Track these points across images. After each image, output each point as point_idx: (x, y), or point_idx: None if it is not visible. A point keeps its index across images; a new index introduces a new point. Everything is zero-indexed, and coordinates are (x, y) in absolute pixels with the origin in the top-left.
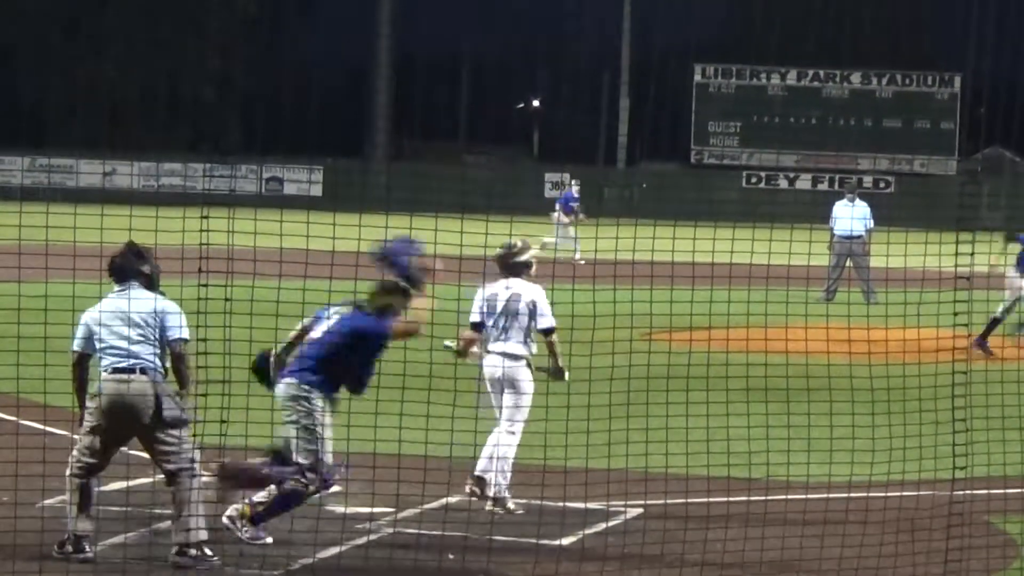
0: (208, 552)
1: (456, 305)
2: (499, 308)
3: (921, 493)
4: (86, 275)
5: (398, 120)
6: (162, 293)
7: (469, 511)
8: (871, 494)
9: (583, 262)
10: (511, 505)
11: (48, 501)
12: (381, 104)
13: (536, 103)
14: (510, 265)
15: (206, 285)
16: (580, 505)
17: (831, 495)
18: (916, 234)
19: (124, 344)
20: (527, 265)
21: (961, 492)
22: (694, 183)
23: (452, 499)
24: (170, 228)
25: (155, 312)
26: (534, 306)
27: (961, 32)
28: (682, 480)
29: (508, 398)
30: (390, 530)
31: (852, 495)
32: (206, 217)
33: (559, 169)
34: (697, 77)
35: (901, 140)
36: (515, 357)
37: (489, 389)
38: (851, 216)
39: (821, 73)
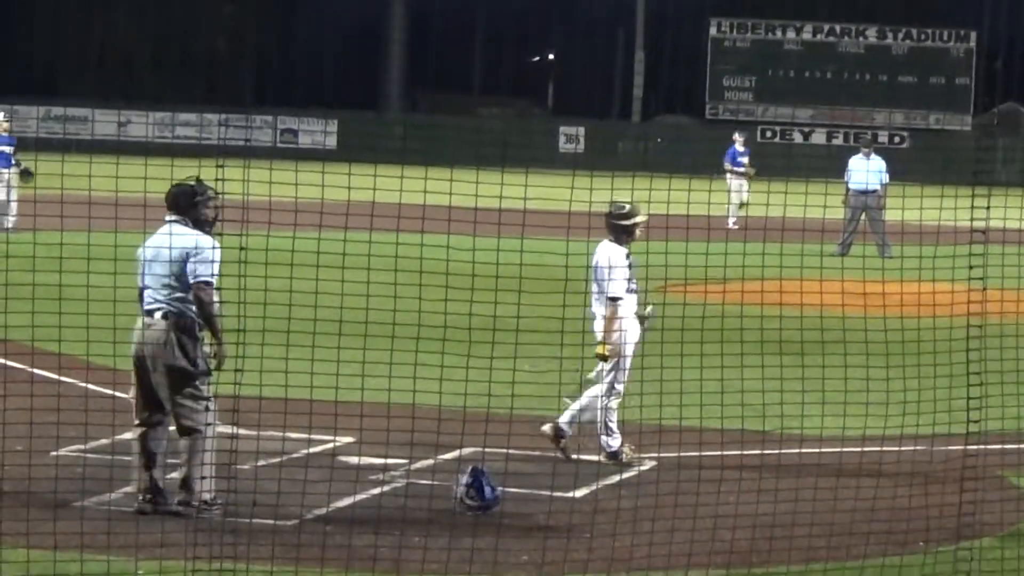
0: (211, 505)
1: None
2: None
3: (935, 448)
4: (101, 224)
5: (412, 72)
6: (212, 236)
7: (482, 462)
8: (885, 448)
9: (735, 226)
10: (628, 453)
11: (62, 450)
12: (395, 56)
13: (551, 56)
14: (608, 225)
15: (221, 235)
16: (594, 457)
17: (844, 448)
18: (931, 189)
19: (153, 284)
20: (623, 229)
21: (975, 446)
22: (709, 137)
23: (466, 450)
24: (185, 176)
25: (185, 250)
26: (601, 274)
27: None
28: (696, 432)
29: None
30: (404, 480)
31: (865, 448)
32: (221, 166)
33: (573, 123)
34: (712, 31)
35: (916, 95)
36: (597, 315)
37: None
38: (867, 170)
39: (837, 28)
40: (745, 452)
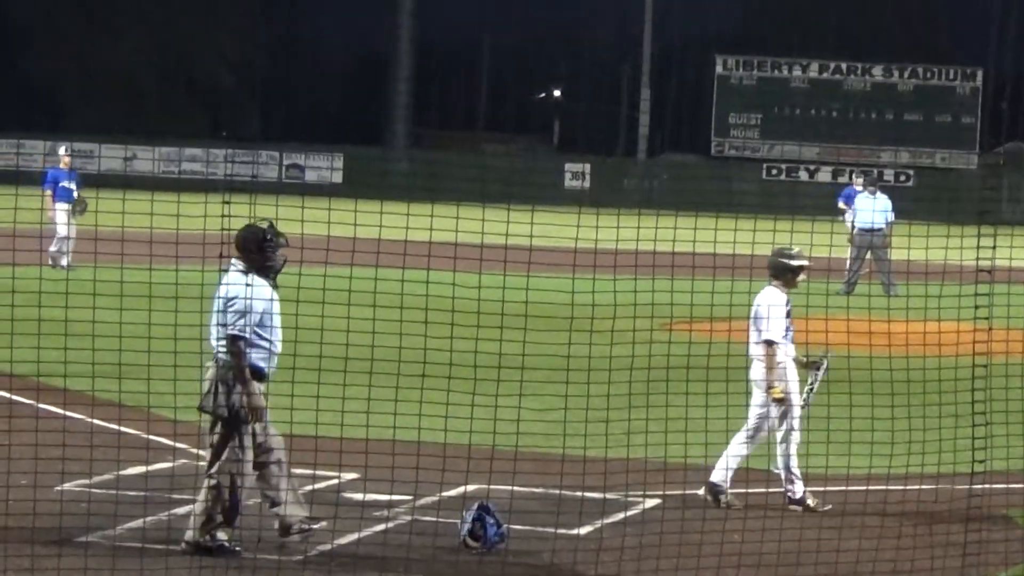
0: (224, 542)
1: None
2: (752, 314)
3: (940, 486)
4: (106, 259)
5: (418, 109)
6: (273, 284)
7: (487, 499)
8: (890, 487)
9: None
10: (812, 502)
11: (67, 485)
12: (401, 92)
13: (556, 93)
14: (773, 266)
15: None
16: (599, 495)
17: (850, 487)
18: (937, 227)
19: (212, 329)
20: (790, 272)
21: (980, 486)
22: (714, 175)
23: (470, 487)
24: (192, 213)
25: (226, 298)
26: (759, 317)
27: (983, 26)
28: (701, 471)
29: (767, 404)
30: (408, 517)
31: (871, 487)
32: (228, 202)
33: (579, 159)
34: (719, 69)
35: (922, 134)
36: (755, 359)
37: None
38: (872, 209)
39: (843, 66)
40: (750, 491)
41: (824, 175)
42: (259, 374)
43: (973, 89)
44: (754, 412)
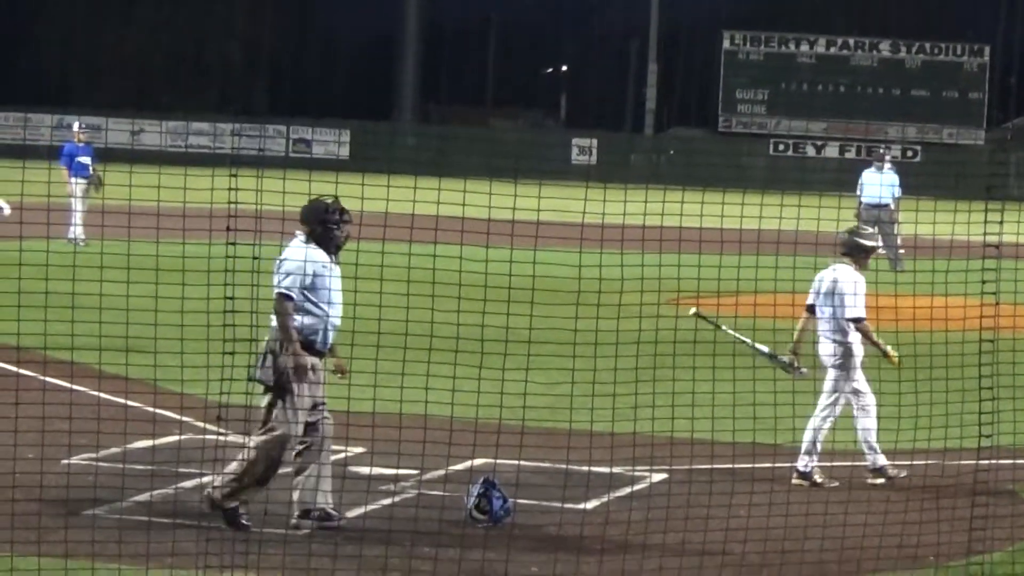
0: (241, 513)
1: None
2: (823, 290)
3: (946, 462)
4: (114, 232)
5: (426, 84)
6: (335, 261)
7: (493, 473)
8: (896, 461)
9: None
10: (893, 472)
11: (73, 459)
12: (409, 67)
13: (564, 68)
14: (845, 245)
15: (234, 244)
16: (605, 469)
17: (856, 462)
18: (944, 203)
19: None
20: (862, 249)
21: (986, 461)
22: (722, 150)
23: (477, 461)
24: (199, 187)
25: (277, 266)
26: (843, 293)
27: (991, 2)
28: (707, 445)
29: (840, 380)
30: (414, 491)
31: (884, 463)
32: (235, 175)
33: (586, 134)
34: (726, 44)
35: (929, 109)
36: (837, 341)
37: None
38: (880, 184)
39: (850, 41)
40: (757, 465)
41: (831, 150)
42: (311, 346)
43: (981, 65)
44: (828, 387)
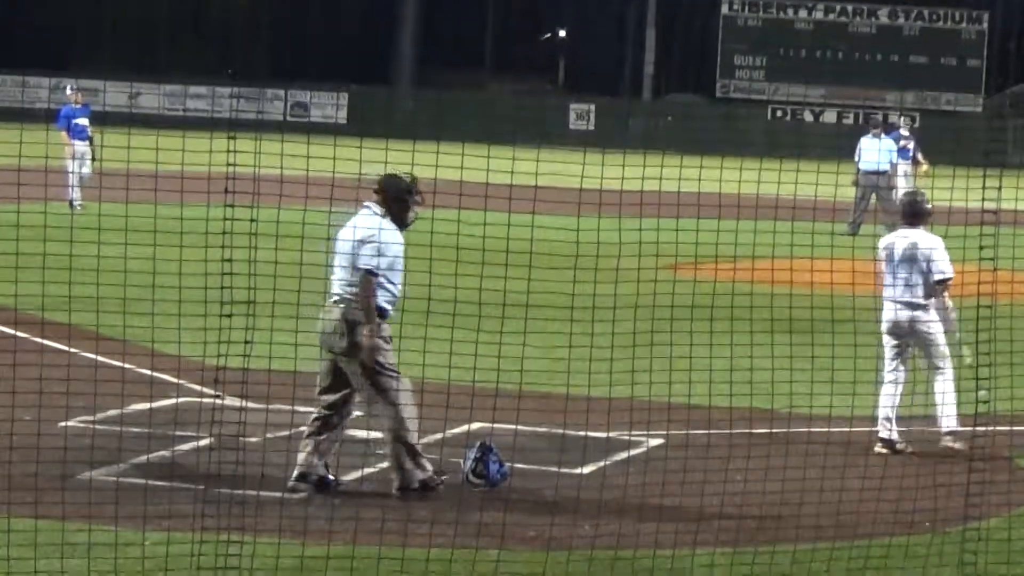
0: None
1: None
2: (897, 257)
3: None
4: (111, 195)
5: (425, 48)
6: (399, 226)
7: (490, 437)
8: (894, 427)
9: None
10: (956, 445)
11: (70, 421)
12: (407, 31)
13: (562, 33)
14: (913, 212)
15: (232, 206)
16: (602, 434)
17: (853, 428)
18: (942, 169)
19: (335, 270)
20: (929, 214)
21: (983, 428)
22: (719, 115)
23: (474, 425)
24: (197, 149)
25: (364, 237)
26: (930, 256)
27: None
28: (704, 410)
29: (921, 346)
30: None
31: (874, 428)
32: (233, 138)
33: (584, 100)
34: (724, 9)
35: (927, 76)
36: (917, 306)
37: (887, 340)
38: (878, 149)
39: (848, 8)
40: (753, 431)
41: (829, 116)
42: (383, 314)
43: (979, 32)
44: (894, 354)
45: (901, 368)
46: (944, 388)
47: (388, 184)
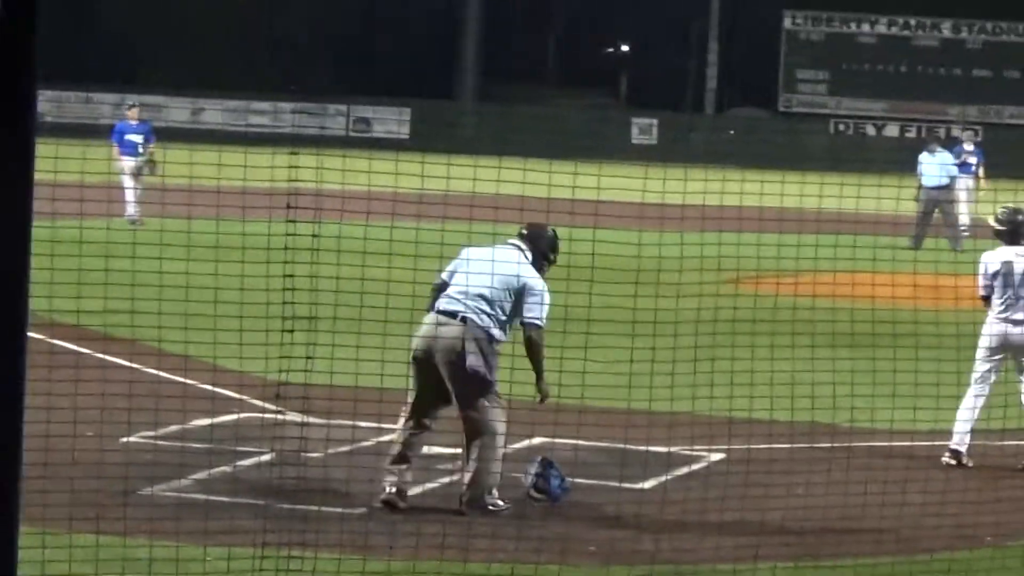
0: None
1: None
2: (1018, 277)
3: (1006, 442)
4: (174, 211)
5: (487, 62)
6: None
7: (551, 451)
8: (943, 441)
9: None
10: None
11: (132, 437)
12: (470, 45)
13: (625, 48)
14: (1018, 230)
15: (294, 221)
16: (664, 448)
17: (915, 442)
18: (1007, 183)
19: (465, 289)
20: None
21: None
22: (782, 130)
23: (535, 440)
24: (259, 165)
25: (521, 281)
26: None
27: None
28: (766, 425)
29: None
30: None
31: (935, 443)
32: (295, 153)
33: (647, 114)
34: (787, 24)
35: (991, 90)
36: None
37: (987, 355)
38: (936, 164)
39: (912, 21)
40: (815, 445)
41: (892, 130)
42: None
43: None
44: (986, 372)
45: (989, 383)
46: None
47: (535, 236)
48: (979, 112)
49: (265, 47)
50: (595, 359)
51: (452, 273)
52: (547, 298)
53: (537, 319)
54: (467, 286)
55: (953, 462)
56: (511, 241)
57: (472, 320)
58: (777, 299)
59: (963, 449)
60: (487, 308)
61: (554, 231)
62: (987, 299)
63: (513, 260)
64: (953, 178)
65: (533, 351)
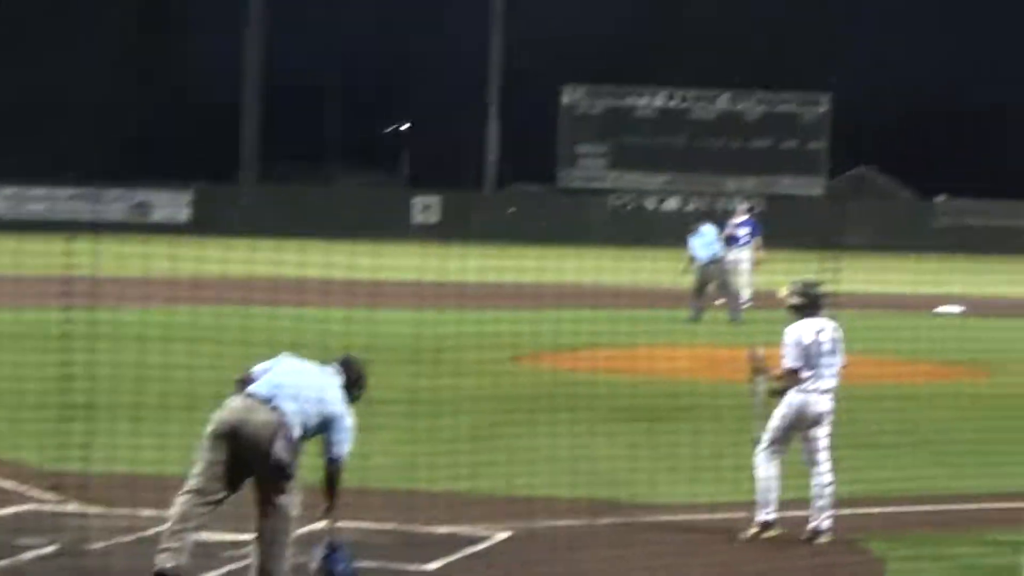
0: None
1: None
2: (822, 348)
3: (786, 513)
4: None
5: (269, 143)
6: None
7: (336, 534)
8: (734, 514)
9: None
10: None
11: None
12: (251, 127)
13: (406, 126)
14: (815, 302)
15: (70, 309)
16: (449, 529)
17: (697, 516)
18: (781, 253)
19: (282, 383)
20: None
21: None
22: (562, 205)
23: (319, 524)
24: (34, 251)
25: (334, 406)
26: (839, 341)
27: (831, 52)
28: (551, 501)
29: (820, 432)
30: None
31: (716, 516)
32: (71, 240)
33: (428, 192)
34: (565, 99)
35: (769, 160)
36: (830, 391)
37: (785, 424)
38: (703, 239)
39: (689, 94)
40: (596, 521)
41: (672, 203)
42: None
43: (820, 114)
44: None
45: (784, 454)
46: (825, 479)
47: (349, 365)
48: (758, 183)
49: (41, 132)
50: (378, 439)
51: (266, 370)
52: (352, 435)
53: (341, 456)
54: (283, 383)
55: (766, 532)
56: (329, 364)
57: (284, 410)
58: (556, 375)
59: (772, 519)
60: (297, 409)
61: (362, 364)
62: (795, 371)
63: (330, 383)
64: (719, 252)
65: (330, 484)
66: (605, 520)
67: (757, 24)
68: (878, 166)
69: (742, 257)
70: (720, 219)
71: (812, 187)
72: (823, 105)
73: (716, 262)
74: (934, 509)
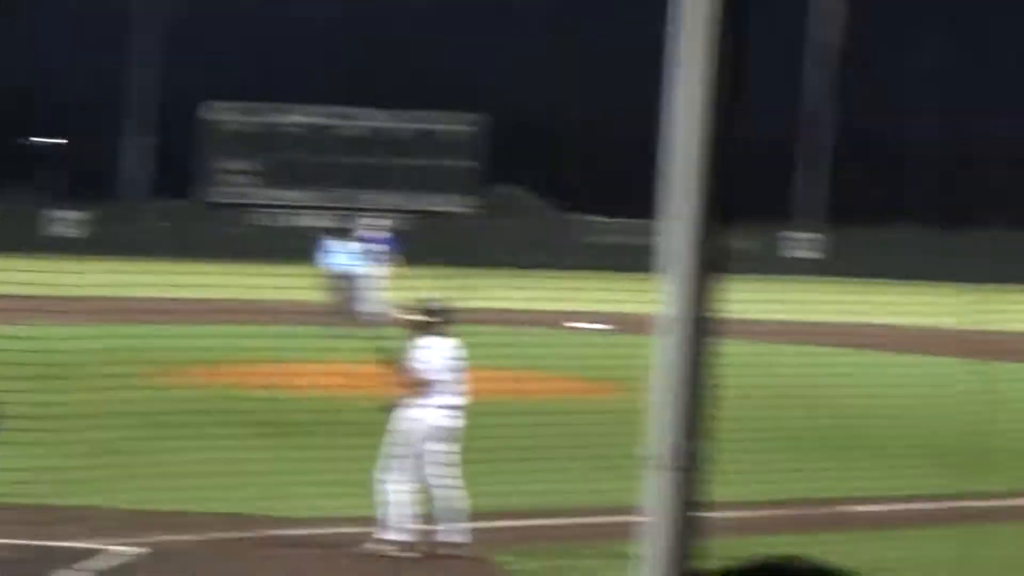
0: None
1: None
2: (447, 363)
3: (417, 527)
4: None
5: None
6: None
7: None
8: (367, 528)
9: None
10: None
11: None
12: None
13: (46, 140)
14: (444, 320)
15: None
16: (80, 544)
17: (331, 529)
18: (423, 270)
19: None
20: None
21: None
22: (204, 220)
23: None
24: None
25: None
26: (461, 359)
27: (482, 72)
28: (188, 517)
29: (442, 448)
30: None
31: (349, 529)
32: None
33: (69, 206)
34: (210, 115)
35: (420, 178)
36: (453, 408)
37: (405, 440)
38: (344, 252)
39: (340, 111)
40: (230, 534)
41: (314, 220)
42: None
43: (470, 133)
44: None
45: (411, 470)
46: (454, 494)
47: None
48: (406, 199)
49: None
50: (5, 455)
51: None
52: None
53: None
54: None
55: (393, 547)
56: None
57: None
58: (206, 390)
59: (400, 537)
60: None
61: None
62: (417, 386)
63: None
64: (353, 267)
65: None
66: (235, 535)
67: (413, 46)
68: (527, 185)
69: (378, 273)
70: (361, 235)
71: (459, 204)
72: (473, 125)
73: (353, 277)
74: (562, 523)
